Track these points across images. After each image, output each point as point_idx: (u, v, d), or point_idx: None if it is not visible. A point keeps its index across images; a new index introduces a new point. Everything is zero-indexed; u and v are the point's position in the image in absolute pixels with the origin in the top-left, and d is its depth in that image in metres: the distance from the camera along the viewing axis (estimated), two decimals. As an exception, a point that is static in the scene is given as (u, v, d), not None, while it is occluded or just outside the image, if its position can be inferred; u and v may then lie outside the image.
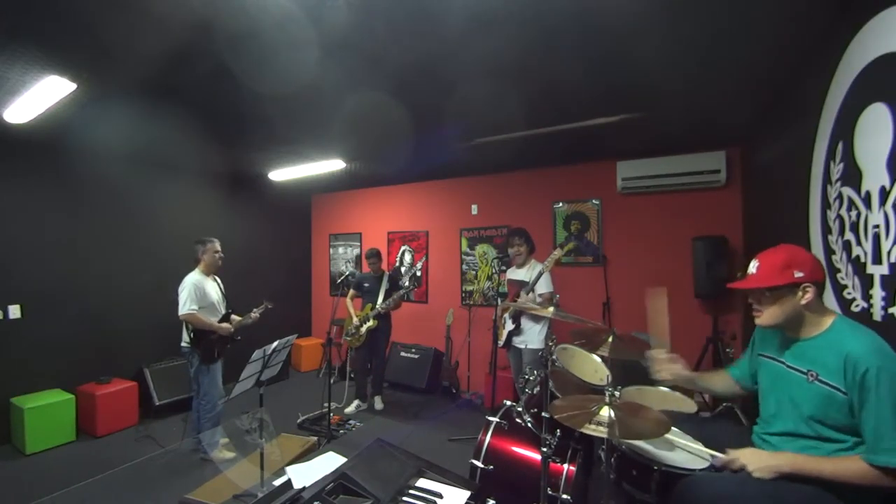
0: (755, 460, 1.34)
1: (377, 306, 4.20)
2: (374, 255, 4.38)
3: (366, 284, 4.38)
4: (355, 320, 4.26)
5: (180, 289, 3.17)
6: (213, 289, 3.36)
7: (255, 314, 3.50)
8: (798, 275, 1.32)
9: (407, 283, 5.11)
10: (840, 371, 1.24)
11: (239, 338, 3.41)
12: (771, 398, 1.51)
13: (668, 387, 2.31)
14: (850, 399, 1.22)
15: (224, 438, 3.43)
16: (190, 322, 3.15)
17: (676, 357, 1.77)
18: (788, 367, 1.43)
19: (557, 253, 3.21)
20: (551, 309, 2.12)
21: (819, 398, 1.30)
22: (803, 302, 1.33)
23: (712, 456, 1.51)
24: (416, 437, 3.57)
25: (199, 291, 3.18)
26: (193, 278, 3.22)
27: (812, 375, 1.33)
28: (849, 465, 1.20)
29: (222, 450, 3.23)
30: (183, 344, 3.21)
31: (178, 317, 3.13)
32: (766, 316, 1.42)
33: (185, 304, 3.11)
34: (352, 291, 4.47)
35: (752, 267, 1.44)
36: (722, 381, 1.79)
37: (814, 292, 1.33)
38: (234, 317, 3.41)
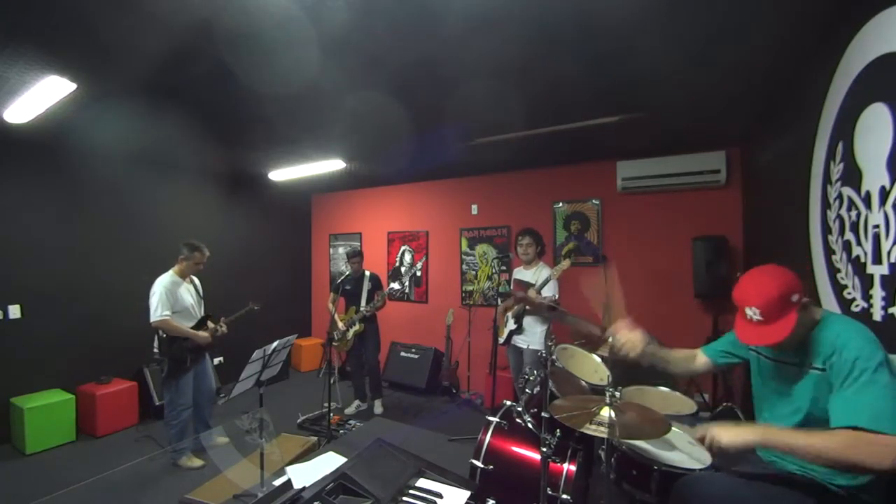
0: (725, 433, 1.28)
1: (361, 309, 4.17)
2: (357, 254, 4.33)
3: (347, 287, 4.30)
4: (340, 325, 4.20)
5: (151, 293, 3.06)
6: (189, 291, 3.26)
7: (221, 327, 3.35)
8: (794, 298, 1.30)
9: (407, 289, 5.09)
10: (827, 355, 1.26)
11: (216, 344, 3.34)
12: (767, 394, 1.52)
13: (667, 387, 2.31)
14: (828, 377, 1.25)
15: (223, 438, 3.42)
16: (162, 329, 3.04)
17: (632, 325, 1.75)
18: (782, 361, 1.43)
19: (566, 263, 3.19)
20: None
21: (809, 385, 1.32)
22: (808, 314, 1.33)
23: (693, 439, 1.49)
24: (416, 437, 3.57)
25: (171, 296, 3.08)
26: (165, 281, 3.11)
27: (808, 366, 1.34)
28: (822, 438, 1.14)
29: (191, 457, 3.16)
30: (154, 349, 3.13)
31: (150, 324, 3.02)
32: (788, 344, 1.33)
33: (157, 310, 3.00)
34: (332, 295, 4.34)
35: (754, 314, 1.33)
36: (685, 358, 1.78)
37: (808, 300, 1.33)
38: (210, 324, 3.32)
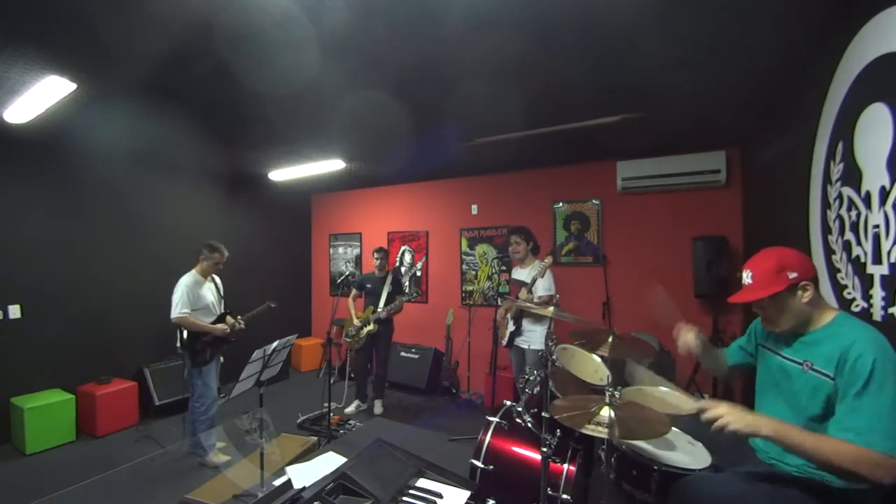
0: (735, 415, 1.26)
1: (378, 310, 4.17)
2: (381, 251, 4.33)
3: (368, 285, 4.33)
4: (356, 322, 4.23)
5: (174, 291, 3.17)
6: (210, 290, 3.36)
7: (240, 323, 3.45)
8: (792, 276, 1.32)
9: (408, 289, 5.10)
10: (834, 359, 1.24)
11: (234, 339, 3.40)
12: (768, 390, 1.51)
13: (667, 386, 2.31)
14: (835, 385, 1.23)
15: (221, 442, 3.43)
16: (181, 325, 3.15)
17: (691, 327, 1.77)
18: (786, 358, 1.43)
19: (548, 260, 3.21)
20: (551, 308, 2.12)
21: (810, 386, 1.31)
22: (805, 300, 1.33)
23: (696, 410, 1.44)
24: (416, 437, 3.56)
25: (192, 294, 3.18)
26: (187, 280, 3.21)
27: (807, 365, 1.33)
28: (831, 444, 1.17)
29: (217, 453, 3.20)
30: (178, 345, 3.22)
31: (171, 320, 3.13)
32: (779, 322, 1.40)
33: (177, 307, 3.11)
34: (354, 291, 4.42)
35: (746, 277, 1.42)
36: (723, 358, 1.81)
37: (813, 289, 1.33)
38: (229, 319, 3.40)
